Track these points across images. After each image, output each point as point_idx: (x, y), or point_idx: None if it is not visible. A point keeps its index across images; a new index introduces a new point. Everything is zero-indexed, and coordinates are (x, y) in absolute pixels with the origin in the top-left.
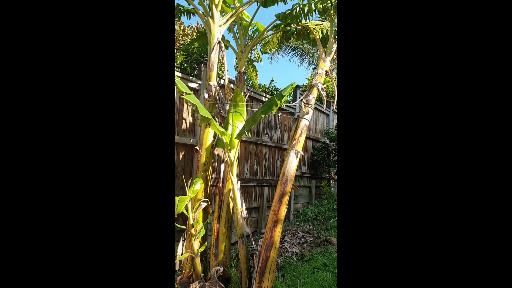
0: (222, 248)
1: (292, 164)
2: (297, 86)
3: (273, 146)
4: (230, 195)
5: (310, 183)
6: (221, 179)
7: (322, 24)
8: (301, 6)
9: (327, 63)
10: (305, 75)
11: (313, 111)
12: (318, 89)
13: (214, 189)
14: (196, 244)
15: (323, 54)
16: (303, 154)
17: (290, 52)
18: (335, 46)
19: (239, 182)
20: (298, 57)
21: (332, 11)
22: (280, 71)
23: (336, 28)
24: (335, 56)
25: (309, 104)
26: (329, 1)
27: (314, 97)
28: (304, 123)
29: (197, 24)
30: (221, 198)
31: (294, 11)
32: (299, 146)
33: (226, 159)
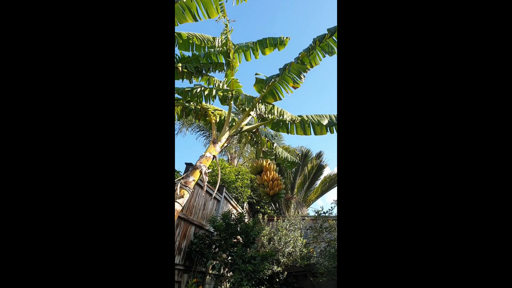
0: None
1: None
2: (189, 164)
3: None
4: None
5: (181, 277)
6: None
7: (222, 110)
8: (202, 88)
9: (217, 149)
10: (200, 152)
11: (204, 195)
12: (201, 172)
13: None
14: None
15: (215, 138)
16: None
17: (198, 132)
18: (227, 135)
19: None
20: (205, 138)
21: (232, 101)
22: (186, 148)
23: (230, 118)
24: (226, 144)
25: (186, 186)
26: (229, 92)
27: (194, 180)
28: (175, 207)
29: None
30: None
31: (195, 91)
32: None
33: None
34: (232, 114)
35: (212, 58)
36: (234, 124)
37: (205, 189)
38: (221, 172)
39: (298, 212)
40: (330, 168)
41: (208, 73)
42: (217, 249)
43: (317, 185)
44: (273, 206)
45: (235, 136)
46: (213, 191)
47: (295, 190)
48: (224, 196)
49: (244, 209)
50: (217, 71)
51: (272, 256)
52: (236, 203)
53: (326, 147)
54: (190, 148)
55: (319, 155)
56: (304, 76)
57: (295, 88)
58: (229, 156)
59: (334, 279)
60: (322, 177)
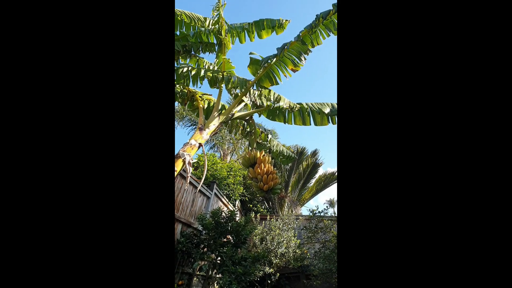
0: None
1: None
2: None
3: None
4: None
5: None
6: None
7: (211, 96)
8: (189, 68)
9: (204, 136)
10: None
11: (193, 191)
12: (184, 161)
13: None
14: None
15: (202, 125)
16: None
17: (190, 126)
18: (216, 122)
19: None
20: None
21: (223, 84)
22: (177, 142)
23: (221, 104)
24: (215, 132)
25: None
26: (220, 74)
27: (176, 170)
28: None
29: None
30: None
31: (181, 71)
32: None
33: None
34: (222, 103)
35: (202, 38)
36: (224, 110)
37: (188, 181)
38: (212, 168)
39: (292, 211)
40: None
41: (197, 54)
42: (205, 249)
43: (312, 184)
44: (266, 205)
45: (228, 127)
46: (198, 184)
47: (290, 188)
48: (215, 193)
49: (236, 207)
50: (207, 52)
51: (264, 258)
52: (227, 200)
53: (322, 145)
54: (181, 142)
55: (314, 153)
56: (305, 58)
57: (294, 71)
58: (221, 153)
59: (328, 282)
60: (317, 175)
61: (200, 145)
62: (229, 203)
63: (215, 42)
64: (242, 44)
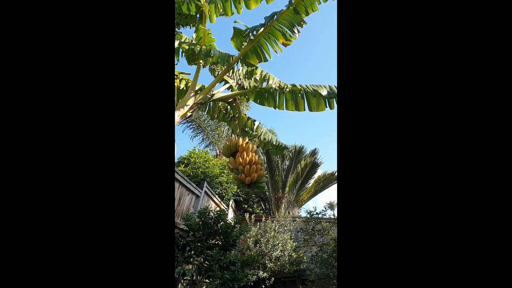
0: None
1: None
2: None
3: None
4: None
5: None
6: None
7: (189, 75)
8: None
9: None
10: (189, 147)
11: (179, 188)
12: None
13: None
14: None
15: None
16: None
17: (184, 123)
18: (191, 102)
19: None
20: (193, 130)
21: (201, 60)
22: None
23: (200, 85)
24: (189, 113)
25: None
26: (198, 46)
27: None
28: None
29: None
30: None
31: None
32: None
33: None
34: (203, 85)
35: (182, 8)
36: (202, 90)
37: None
38: (204, 165)
39: (289, 213)
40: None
41: (175, 29)
42: (192, 252)
43: (310, 185)
44: (263, 206)
45: (206, 110)
46: (186, 181)
47: (287, 188)
48: (205, 191)
49: (230, 208)
50: (188, 26)
51: (256, 261)
52: (220, 200)
53: (322, 146)
54: (176, 141)
55: (313, 152)
56: (298, 31)
57: (286, 45)
58: (217, 151)
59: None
60: (316, 175)
61: None
62: (222, 203)
63: (197, 15)
64: (229, 19)
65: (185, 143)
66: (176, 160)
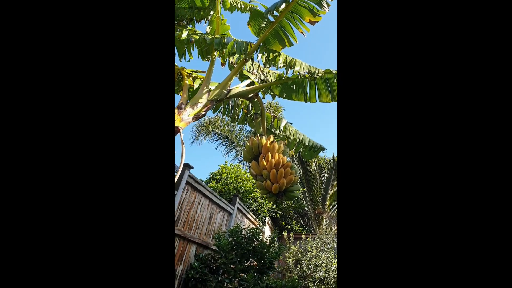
0: None
1: None
2: (186, 164)
3: None
4: None
5: None
6: None
7: (205, 73)
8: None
9: (183, 117)
10: (220, 162)
11: (209, 205)
12: None
13: None
14: None
15: (182, 103)
16: None
17: (217, 140)
18: (205, 99)
19: None
20: (225, 146)
21: (216, 54)
22: (204, 157)
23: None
24: (203, 111)
25: None
26: (210, 35)
27: None
28: None
29: None
30: None
31: None
32: None
33: None
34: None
35: (195, 2)
36: (218, 85)
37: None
38: (236, 180)
39: (331, 229)
40: None
41: (188, 24)
42: (225, 275)
43: None
44: (302, 222)
45: (223, 109)
46: (216, 197)
47: (327, 203)
48: (238, 208)
49: (267, 225)
50: (203, 21)
51: (298, 286)
52: (254, 217)
53: None
54: (208, 158)
55: None
56: (328, 4)
57: (313, 23)
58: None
59: None
60: None
61: (178, 130)
62: (257, 220)
63: (210, 7)
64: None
65: (219, 160)
66: (207, 177)
